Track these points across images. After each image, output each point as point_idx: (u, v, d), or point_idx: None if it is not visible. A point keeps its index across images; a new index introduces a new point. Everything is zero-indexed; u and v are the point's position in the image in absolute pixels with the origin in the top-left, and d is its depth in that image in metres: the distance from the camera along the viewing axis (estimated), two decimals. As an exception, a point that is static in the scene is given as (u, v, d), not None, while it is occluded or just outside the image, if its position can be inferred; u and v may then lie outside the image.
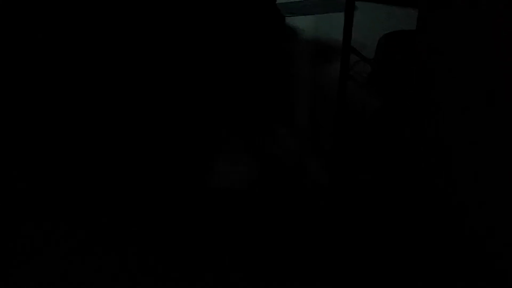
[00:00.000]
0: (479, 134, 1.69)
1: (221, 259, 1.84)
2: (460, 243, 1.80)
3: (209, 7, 2.98)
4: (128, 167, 2.26)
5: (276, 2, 3.68)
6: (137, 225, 1.99)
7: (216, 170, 2.28)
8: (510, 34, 1.49)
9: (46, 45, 2.40)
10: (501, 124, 1.57)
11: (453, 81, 1.79)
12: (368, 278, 1.77)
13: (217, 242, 1.91)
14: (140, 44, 2.65)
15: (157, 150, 2.38)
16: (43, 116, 2.42)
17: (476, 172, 1.71)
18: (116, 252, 1.88)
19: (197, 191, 2.14)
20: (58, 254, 1.86)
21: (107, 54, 2.57)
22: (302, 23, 3.83)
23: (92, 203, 2.09)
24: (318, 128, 2.63)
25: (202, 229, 1.97)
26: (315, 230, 1.96)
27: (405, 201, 2.01)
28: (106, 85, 2.57)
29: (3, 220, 1.98)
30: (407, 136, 2.15)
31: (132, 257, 1.85)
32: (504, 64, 1.52)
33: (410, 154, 2.11)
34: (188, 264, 1.83)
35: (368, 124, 2.56)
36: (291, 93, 2.96)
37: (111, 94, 2.57)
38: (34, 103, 2.42)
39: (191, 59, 2.87)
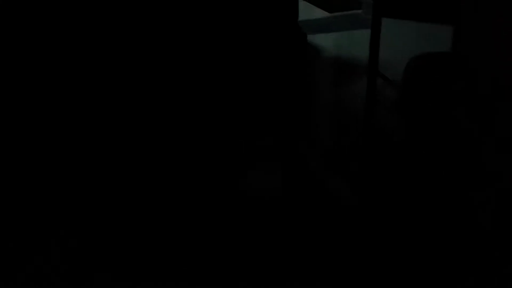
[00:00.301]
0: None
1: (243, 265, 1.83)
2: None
3: (230, 27, 2.94)
4: (163, 172, 2.30)
5: (298, 20, 3.57)
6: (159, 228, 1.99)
7: (246, 179, 2.29)
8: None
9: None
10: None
11: None
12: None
13: (238, 246, 1.91)
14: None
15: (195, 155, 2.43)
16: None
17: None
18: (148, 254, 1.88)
19: (227, 197, 2.16)
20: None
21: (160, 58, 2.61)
22: (324, 41, 3.73)
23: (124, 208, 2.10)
24: (342, 149, 2.54)
25: (228, 233, 1.98)
26: (338, 244, 1.94)
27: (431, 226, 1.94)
28: (142, 93, 2.61)
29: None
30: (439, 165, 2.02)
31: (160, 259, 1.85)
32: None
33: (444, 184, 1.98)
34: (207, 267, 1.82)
35: (393, 152, 2.43)
36: (314, 113, 2.88)
37: (150, 101, 2.61)
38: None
39: (216, 76, 2.86)
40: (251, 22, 3.08)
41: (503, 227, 1.81)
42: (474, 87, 1.93)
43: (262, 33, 3.17)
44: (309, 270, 1.81)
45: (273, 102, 2.94)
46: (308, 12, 4.23)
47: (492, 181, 2.03)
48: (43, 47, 2.38)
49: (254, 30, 3.10)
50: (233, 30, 2.98)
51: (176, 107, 2.66)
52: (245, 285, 1.73)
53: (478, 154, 2.12)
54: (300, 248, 1.90)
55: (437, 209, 2.00)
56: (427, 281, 1.73)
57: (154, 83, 2.64)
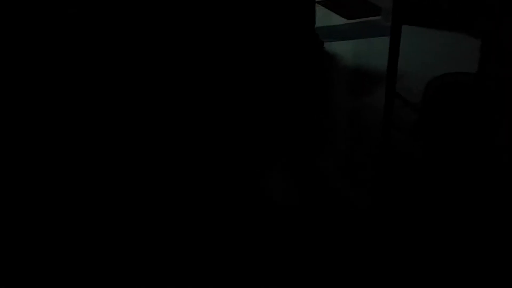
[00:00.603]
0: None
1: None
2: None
3: (247, 34, 2.90)
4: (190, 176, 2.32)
5: (314, 27, 3.48)
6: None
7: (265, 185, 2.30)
8: None
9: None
10: None
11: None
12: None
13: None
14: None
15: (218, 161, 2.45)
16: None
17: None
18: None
19: (243, 199, 2.18)
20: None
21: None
22: (341, 48, 3.63)
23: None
24: (358, 158, 2.47)
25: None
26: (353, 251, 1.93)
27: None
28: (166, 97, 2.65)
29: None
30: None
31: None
32: None
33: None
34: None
35: (410, 175, 2.32)
36: (330, 125, 2.79)
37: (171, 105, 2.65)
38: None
39: (230, 83, 2.88)
40: (266, 30, 3.02)
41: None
42: (499, 110, 1.81)
43: (277, 40, 3.11)
44: (317, 272, 1.81)
45: (288, 110, 2.88)
46: (325, 18, 4.14)
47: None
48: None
49: (268, 37, 3.04)
50: (246, 38, 2.92)
51: (193, 111, 2.69)
52: (257, 285, 1.75)
53: (501, 181, 2.01)
54: (310, 251, 1.90)
55: (454, 224, 1.95)
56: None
57: (169, 89, 2.67)
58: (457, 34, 3.70)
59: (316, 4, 3.55)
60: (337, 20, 4.14)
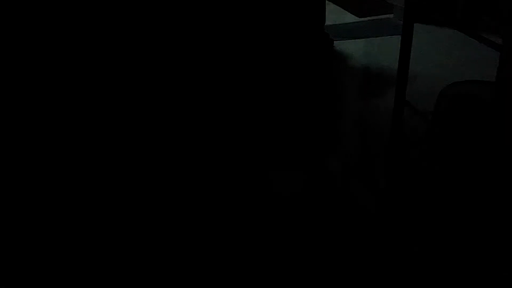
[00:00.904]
0: None
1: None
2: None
3: (254, 32, 2.85)
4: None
5: (325, 25, 3.38)
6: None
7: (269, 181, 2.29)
8: None
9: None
10: None
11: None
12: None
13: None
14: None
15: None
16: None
17: None
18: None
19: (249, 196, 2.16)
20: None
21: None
22: (351, 47, 3.54)
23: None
24: (368, 165, 2.41)
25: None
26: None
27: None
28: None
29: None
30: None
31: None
32: None
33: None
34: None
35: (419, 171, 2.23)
36: (338, 126, 2.74)
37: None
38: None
39: (238, 82, 2.84)
40: (274, 27, 2.94)
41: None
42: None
43: (285, 39, 3.02)
44: (320, 273, 1.80)
45: (297, 109, 2.83)
46: (336, 16, 4.05)
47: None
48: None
49: (277, 36, 2.96)
50: (254, 36, 2.85)
51: (200, 109, 2.68)
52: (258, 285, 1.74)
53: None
54: (314, 251, 1.88)
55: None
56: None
57: (174, 88, 2.65)
58: (476, 35, 3.59)
59: (327, 1, 3.46)
60: (348, 18, 4.04)
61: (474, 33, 3.46)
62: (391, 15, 4.05)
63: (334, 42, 3.51)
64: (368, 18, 4.04)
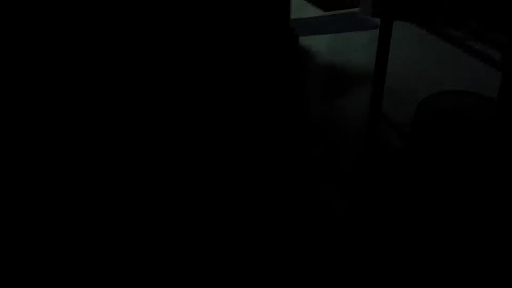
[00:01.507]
0: None
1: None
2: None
3: (213, 26, 2.68)
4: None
5: (289, 19, 3.17)
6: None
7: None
8: None
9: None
10: None
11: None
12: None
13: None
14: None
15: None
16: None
17: None
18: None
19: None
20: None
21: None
22: (318, 43, 3.33)
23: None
24: (334, 168, 2.28)
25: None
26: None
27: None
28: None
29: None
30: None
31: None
32: None
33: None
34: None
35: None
36: (303, 129, 2.60)
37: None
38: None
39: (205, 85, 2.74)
40: (234, 21, 2.73)
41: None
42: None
43: (247, 34, 2.81)
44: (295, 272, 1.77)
45: (259, 112, 2.69)
46: (300, 10, 3.83)
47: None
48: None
49: (237, 30, 2.75)
50: (212, 30, 2.64)
51: (176, 108, 2.59)
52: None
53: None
54: (284, 252, 1.85)
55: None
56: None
57: (145, 83, 2.54)
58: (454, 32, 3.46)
59: (290, -7, 3.25)
60: (313, 12, 3.83)
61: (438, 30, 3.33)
62: (357, 9, 3.87)
63: (299, 38, 3.30)
64: (334, 12, 3.84)
